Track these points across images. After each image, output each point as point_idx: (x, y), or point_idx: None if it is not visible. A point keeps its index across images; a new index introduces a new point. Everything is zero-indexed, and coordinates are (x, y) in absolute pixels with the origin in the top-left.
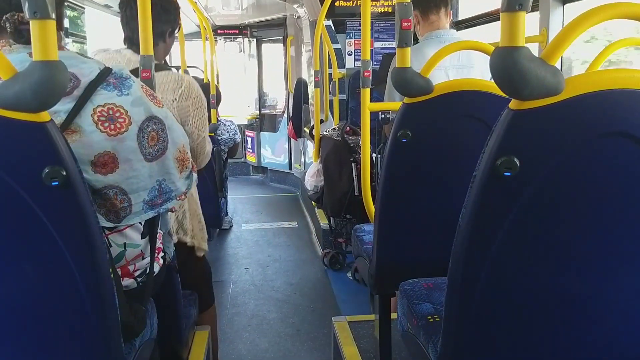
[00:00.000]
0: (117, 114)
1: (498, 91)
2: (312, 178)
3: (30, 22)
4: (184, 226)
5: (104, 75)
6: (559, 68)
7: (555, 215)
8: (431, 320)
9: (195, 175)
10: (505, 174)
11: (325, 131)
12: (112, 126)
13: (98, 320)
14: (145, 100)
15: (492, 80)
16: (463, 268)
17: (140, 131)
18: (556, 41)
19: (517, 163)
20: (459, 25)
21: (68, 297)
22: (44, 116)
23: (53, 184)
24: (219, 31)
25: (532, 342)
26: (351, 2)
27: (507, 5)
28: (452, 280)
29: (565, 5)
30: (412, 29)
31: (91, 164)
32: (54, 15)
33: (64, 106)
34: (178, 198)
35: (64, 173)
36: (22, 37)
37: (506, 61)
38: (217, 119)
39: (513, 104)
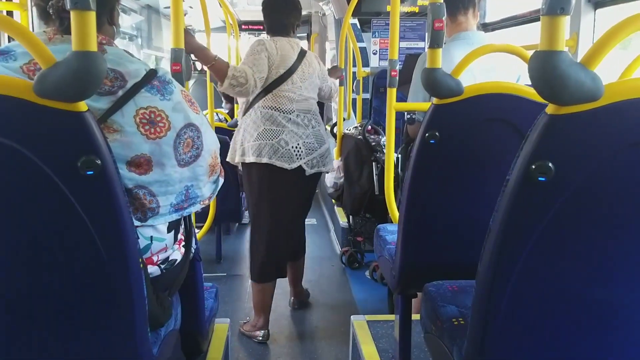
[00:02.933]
0: (158, 118)
1: (529, 95)
2: (331, 174)
3: (71, 12)
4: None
5: (150, 78)
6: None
7: (589, 222)
8: (456, 323)
9: (221, 180)
10: (540, 179)
11: (347, 129)
12: (152, 130)
13: (127, 309)
14: (184, 106)
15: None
16: (493, 272)
17: (177, 137)
18: (597, 46)
19: (552, 168)
20: (485, 27)
21: (98, 285)
22: (81, 106)
23: (88, 173)
24: (243, 26)
25: (561, 350)
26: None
27: (548, 9)
28: (480, 283)
29: (596, 10)
30: (445, 30)
31: (127, 163)
32: (94, 7)
33: (107, 105)
34: (202, 203)
35: (99, 163)
36: (62, 24)
37: (546, 65)
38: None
39: (550, 109)
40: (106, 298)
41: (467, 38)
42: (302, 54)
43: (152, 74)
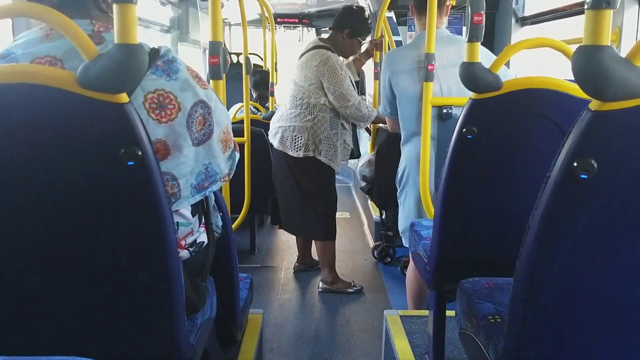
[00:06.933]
0: (167, 100)
1: (570, 90)
2: (362, 167)
3: (113, 5)
4: (319, 148)
5: (153, 58)
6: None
7: (631, 221)
8: (492, 320)
9: (237, 155)
10: (582, 176)
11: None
12: (163, 113)
13: (165, 296)
14: (192, 83)
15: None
16: (531, 270)
17: (189, 117)
18: None
19: (595, 165)
20: (524, 21)
21: (137, 272)
22: (123, 97)
23: (129, 163)
24: (278, 19)
25: (600, 351)
26: None
27: (593, 3)
28: (518, 281)
29: None
30: (484, 24)
31: None
32: (135, 0)
33: None
34: (222, 180)
35: (140, 153)
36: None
37: (590, 60)
38: (274, 106)
39: (594, 105)
40: (145, 285)
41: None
42: None
43: (154, 55)
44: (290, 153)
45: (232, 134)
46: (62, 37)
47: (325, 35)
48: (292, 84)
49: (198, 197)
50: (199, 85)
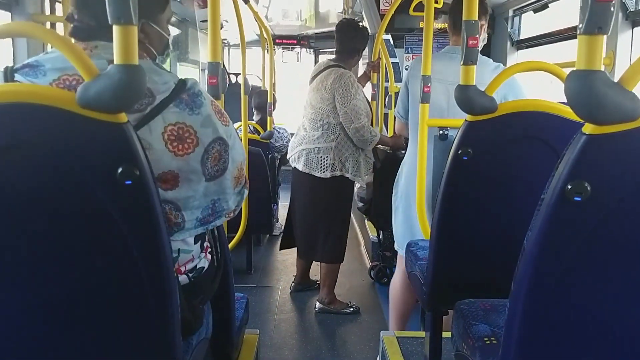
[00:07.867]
0: (187, 134)
1: (564, 113)
2: (359, 188)
3: (114, 27)
4: (346, 166)
5: (179, 91)
6: None
7: (625, 243)
8: (488, 342)
9: (246, 191)
10: (576, 198)
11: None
12: (180, 146)
13: (160, 317)
14: (213, 119)
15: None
16: (526, 292)
17: (205, 152)
18: (636, 65)
19: (588, 188)
20: (519, 44)
21: (133, 292)
22: (122, 117)
23: (126, 182)
24: (277, 40)
25: None
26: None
27: (585, 28)
28: (513, 303)
29: (634, 28)
30: (479, 47)
31: None
32: (136, 22)
33: (136, 122)
34: (227, 215)
35: (137, 173)
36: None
37: (583, 85)
38: (272, 126)
39: (587, 128)
40: (140, 305)
41: (452, 52)
42: None
43: (181, 88)
44: (317, 174)
45: (245, 171)
46: (94, 58)
47: (331, 56)
48: (308, 108)
49: (201, 230)
50: (220, 121)
